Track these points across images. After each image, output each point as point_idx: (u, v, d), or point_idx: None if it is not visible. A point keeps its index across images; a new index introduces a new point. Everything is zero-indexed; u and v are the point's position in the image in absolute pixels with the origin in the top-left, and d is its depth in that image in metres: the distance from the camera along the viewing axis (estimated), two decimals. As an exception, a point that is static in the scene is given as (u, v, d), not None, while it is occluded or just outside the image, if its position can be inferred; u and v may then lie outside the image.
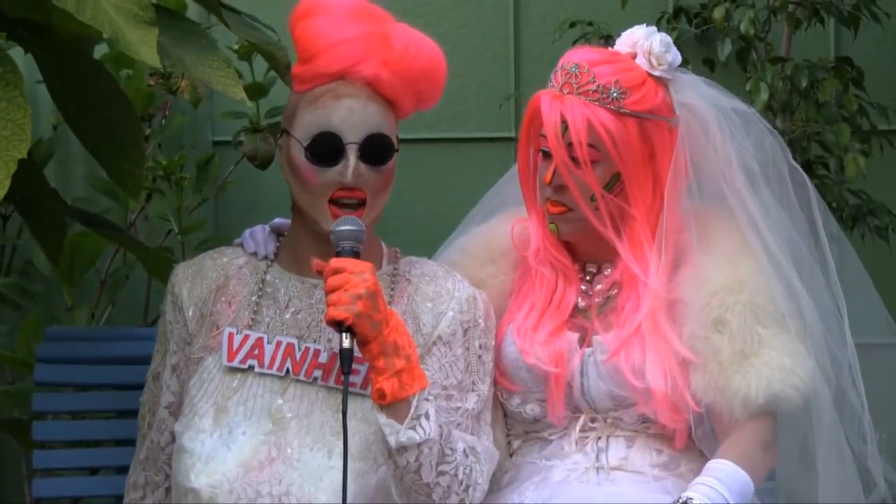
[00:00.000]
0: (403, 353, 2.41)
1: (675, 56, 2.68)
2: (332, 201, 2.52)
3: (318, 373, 2.53)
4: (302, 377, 2.53)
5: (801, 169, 2.76)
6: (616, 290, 2.69)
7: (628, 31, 2.70)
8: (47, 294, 3.84)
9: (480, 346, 2.61)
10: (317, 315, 2.57)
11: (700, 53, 4.02)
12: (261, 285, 2.61)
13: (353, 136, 2.51)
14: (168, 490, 2.62)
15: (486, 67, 4.19)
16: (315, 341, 2.55)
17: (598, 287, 2.71)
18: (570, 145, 2.62)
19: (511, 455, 2.72)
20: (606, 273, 2.71)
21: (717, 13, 3.81)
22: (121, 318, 3.93)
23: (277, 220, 2.73)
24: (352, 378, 2.43)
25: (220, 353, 2.55)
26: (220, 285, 2.62)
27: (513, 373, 2.67)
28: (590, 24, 3.96)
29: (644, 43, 2.66)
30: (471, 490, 2.49)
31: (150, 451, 2.65)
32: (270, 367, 2.53)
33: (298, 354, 2.54)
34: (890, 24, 3.93)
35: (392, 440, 2.39)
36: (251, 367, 2.54)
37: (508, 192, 2.85)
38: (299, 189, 2.55)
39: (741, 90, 3.61)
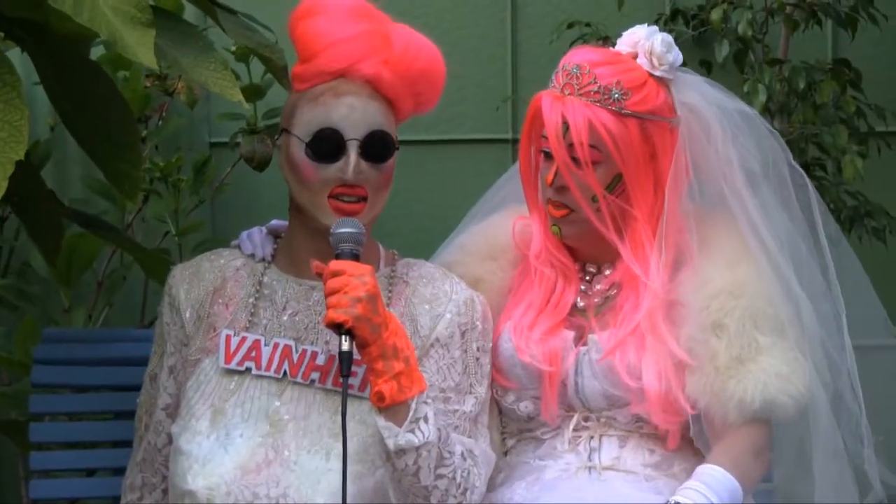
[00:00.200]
0: (402, 355, 2.41)
1: (677, 56, 2.68)
2: (333, 197, 2.51)
3: (315, 375, 2.52)
4: (299, 379, 2.52)
5: (801, 170, 2.76)
6: (615, 291, 2.69)
7: (629, 31, 2.69)
8: (44, 295, 3.84)
9: (478, 349, 2.61)
10: (314, 317, 2.56)
11: (697, 55, 4.03)
12: (258, 287, 2.61)
13: (354, 133, 2.51)
14: (165, 491, 2.62)
15: (483, 69, 4.19)
16: (312, 343, 2.55)
17: (598, 287, 2.71)
18: (571, 146, 2.62)
19: (505, 454, 2.72)
20: (606, 273, 2.71)
21: (715, 15, 3.81)
22: (118, 320, 3.93)
23: (274, 222, 2.73)
24: (350, 380, 2.42)
25: (218, 355, 2.55)
26: (218, 287, 2.62)
27: (508, 370, 2.67)
28: (587, 25, 3.96)
29: (645, 43, 2.66)
30: (468, 493, 2.49)
31: (147, 453, 2.65)
32: (268, 369, 2.53)
33: (296, 356, 2.53)
34: (888, 25, 3.93)
35: (390, 443, 2.39)
36: (248, 370, 2.53)
37: (509, 190, 2.85)
38: (299, 187, 2.55)
39: (739, 92, 3.60)
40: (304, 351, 2.54)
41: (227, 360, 2.54)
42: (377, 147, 2.53)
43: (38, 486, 3.05)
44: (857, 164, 3.69)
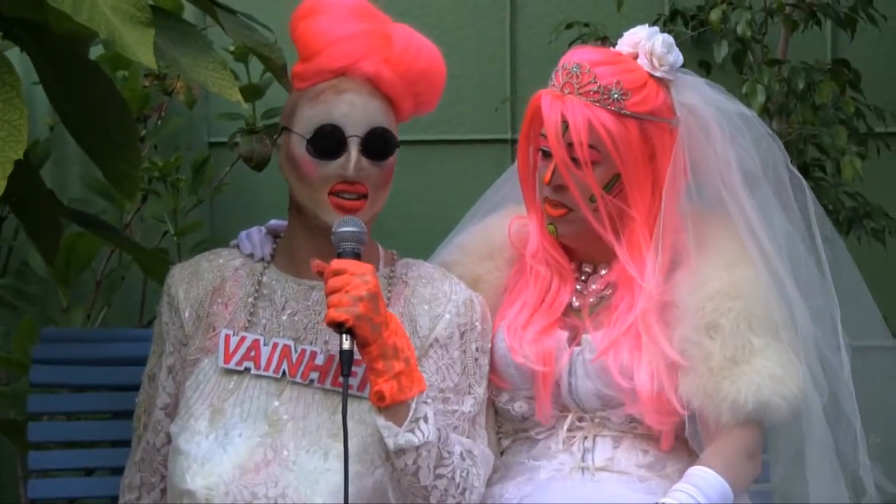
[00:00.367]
0: (402, 355, 2.41)
1: (677, 57, 2.68)
2: (333, 194, 2.51)
3: (314, 375, 2.52)
4: (298, 379, 2.52)
5: (798, 173, 2.76)
6: (610, 291, 2.69)
7: (630, 32, 2.69)
8: (43, 295, 3.84)
9: (477, 349, 2.61)
10: (313, 317, 2.56)
11: (696, 56, 4.02)
12: (257, 287, 2.61)
13: (354, 130, 2.51)
14: (163, 491, 2.62)
15: (482, 69, 4.18)
16: (312, 343, 2.55)
17: (593, 287, 2.71)
18: (570, 145, 2.62)
19: (501, 454, 2.72)
20: (602, 273, 2.71)
21: (714, 15, 3.81)
22: (116, 320, 3.93)
23: (273, 222, 2.73)
24: (349, 380, 2.42)
25: (217, 355, 2.55)
26: (217, 287, 2.62)
27: (502, 370, 2.67)
28: (586, 25, 3.95)
29: (646, 44, 2.66)
30: (467, 493, 2.49)
31: (146, 453, 2.65)
32: (267, 369, 2.53)
33: (295, 356, 2.53)
34: (887, 26, 3.93)
35: (390, 442, 2.39)
36: (247, 369, 2.54)
37: (508, 190, 2.85)
38: (299, 184, 2.55)
39: (738, 93, 3.60)
40: (304, 351, 2.54)
41: (226, 360, 2.54)
42: (378, 144, 2.53)
43: (36, 485, 3.05)
44: (857, 164, 3.68)
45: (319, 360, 2.53)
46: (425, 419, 2.41)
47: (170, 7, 3.34)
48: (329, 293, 2.39)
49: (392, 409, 2.39)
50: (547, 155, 2.66)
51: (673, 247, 2.65)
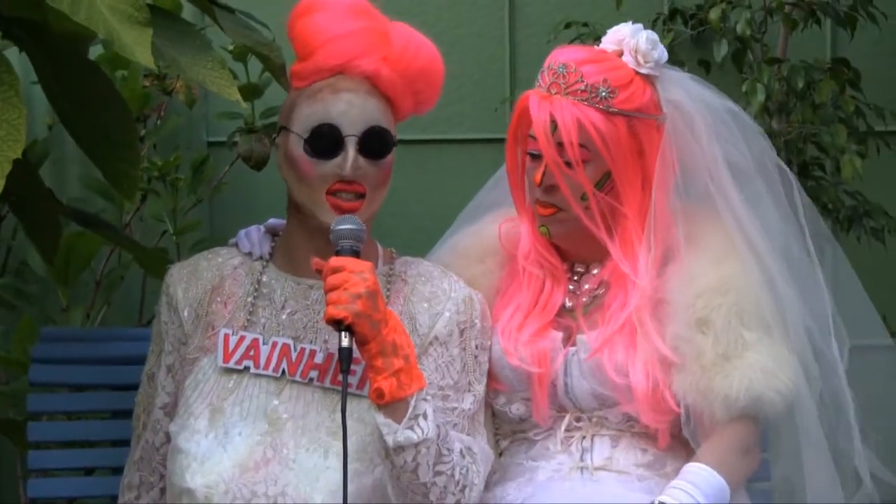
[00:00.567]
0: (402, 352, 2.41)
1: (662, 53, 2.68)
2: (331, 193, 2.51)
3: (313, 373, 2.52)
4: (298, 378, 2.53)
5: (787, 168, 2.76)
6: (603, 290, 2.68)
7: (614, 29, 2.69)
8: (42, 294, 3.84)
9: (477, 347, 2.61)
10: (313, 316, 2.56)
11: (696, 55, 4.02)
12: (256, 286, 2.61)
13: (352, 129, 2.51)
14: (163, 490, 2.62)
15: (481, 68, 4.18)
16: (311, 342, 2.55)
17: (586, 286, 2.71)
18: (559, 145, 2.62)
19: (500, 455, 2.72)
20: (594, 272, 2.71)
21: (714, 14, 3.81)
22: (116, 319, 3.93)
23: (272, 221, 2.73)
24: (349, 379, 2.42)
25: (216, 354, 2.55)
26: (216, 286, 2.62)
27: (497, 372, 2.67)
28: (585, 24, 3.95)
29: (630, 41, 2.66)
30: (467, 490, 2.49)
31: (145, 452, 2.65)
32: (266, 367, 2.53)
33: (294, 355, 2.53)
34: (887, 25, 3.93)
35: (390, 440, 2.39)
36: (247, 368, 2.54)
37: (499, 191, 2.84)
38: (297, 184, 2.55)
39: (737, 91, 3.61)
40: (303, 349, 2.54)
41: (226, 359, 2.54)
42: (375, 143, 2.53)
43: (36, 485, 3.05)
44: (856, 163, 3.68)
45: (319, 359, 2.53)
46: (424, 416, 2.41)
47: (168, 6, 3.34)
48: (328, 290, 2.39)
49: (391, 406, 2.39)
50: (535, 157, 2.66)
51: (664, 242, 2.65)
